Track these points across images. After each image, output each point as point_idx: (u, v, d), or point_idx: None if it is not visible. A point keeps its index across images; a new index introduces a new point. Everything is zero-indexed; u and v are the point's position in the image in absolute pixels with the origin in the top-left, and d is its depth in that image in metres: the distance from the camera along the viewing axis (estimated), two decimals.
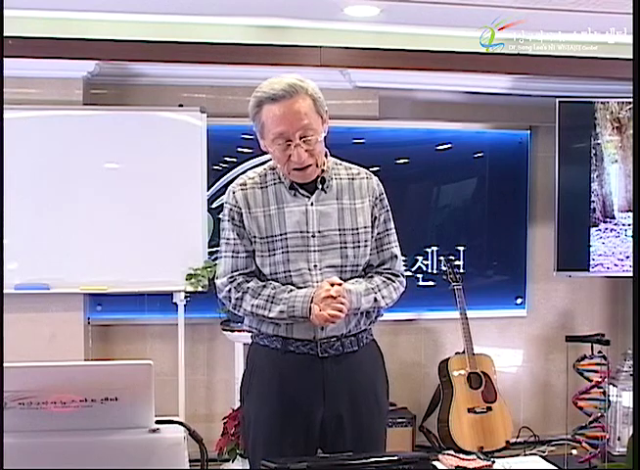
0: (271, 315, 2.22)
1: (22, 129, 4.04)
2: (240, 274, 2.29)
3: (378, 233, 2.34)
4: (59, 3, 3.78)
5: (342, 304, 2.16)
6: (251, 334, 2.38)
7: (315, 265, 2.25)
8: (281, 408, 2.24)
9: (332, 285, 2.18)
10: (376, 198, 2.35)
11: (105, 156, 4.21)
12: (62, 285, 4.10)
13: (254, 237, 2.27)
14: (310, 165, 2.23)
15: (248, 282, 2.27)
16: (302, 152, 2.19)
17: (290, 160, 2.21)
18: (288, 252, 2.24)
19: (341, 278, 2.23)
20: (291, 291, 2.23)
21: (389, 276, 2.35)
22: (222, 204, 2.41)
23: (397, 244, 2.40)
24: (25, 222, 4.03)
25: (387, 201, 2.39)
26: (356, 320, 2.29)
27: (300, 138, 2.18)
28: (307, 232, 2.25)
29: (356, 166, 2.40)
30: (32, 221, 4.08)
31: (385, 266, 2.36)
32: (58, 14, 3.90)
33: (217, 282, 2.35)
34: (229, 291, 2.29)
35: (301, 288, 2.23)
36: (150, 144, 4.23)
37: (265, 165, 2.36)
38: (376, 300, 2.28)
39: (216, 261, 2.54)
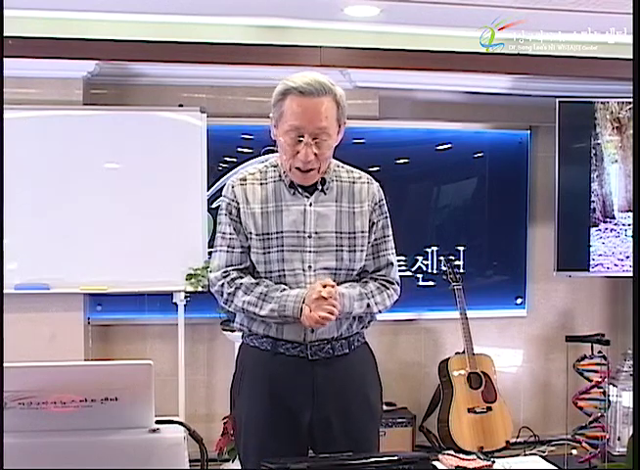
0: (262, 313, 2.20)
1: (22, 129, 4.04)
2: (234, 269, 2.26)
3: (375, 239, 2.32)
4: (59, 3, 3.78)
5: (333, 306, 2.14)
6: (241, 333, 2.36)
7: (310, 266, 2.23)
8: (270, 410, 2.23)
9: (324, 286, 2.16)
10: (375, 203, 2.32)
11: (105, 156, 4.21)
12: (62, 285, 4.10)
13: (250, 233, 2.25)
14: (313, 169, 2.21)
15: (241, 278, 2.25)
16: (310, 152, 2.16)
17: (296, 156, 2.18)
18: (283, 251, 2.22)
19: (334, 281, 2.20)
20: (283, 290, 2.21)
21: (384, 283, 2.33)
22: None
23: (394, 251, 2.37)
24: (25, 222, 4.03)
25: (386, 207, 2.36)
26: (348, 324, 2.27)
27: (313, 138, 2.16)
28: (304, 232, 2.23)
29: (358, 171, 2.37)
30: (32, 221, 4.08)
31: (380, 273, 2.34)
32: (58, 14, 3.90)
33: (211, 276, 2.32)
34: (222, 285, 2.26)
35: (294, 288, 2.21)
36: (150, 144, 4.23)
37: (266, 162, 2.34)
38: (369, 305, 2.26)
39: None
